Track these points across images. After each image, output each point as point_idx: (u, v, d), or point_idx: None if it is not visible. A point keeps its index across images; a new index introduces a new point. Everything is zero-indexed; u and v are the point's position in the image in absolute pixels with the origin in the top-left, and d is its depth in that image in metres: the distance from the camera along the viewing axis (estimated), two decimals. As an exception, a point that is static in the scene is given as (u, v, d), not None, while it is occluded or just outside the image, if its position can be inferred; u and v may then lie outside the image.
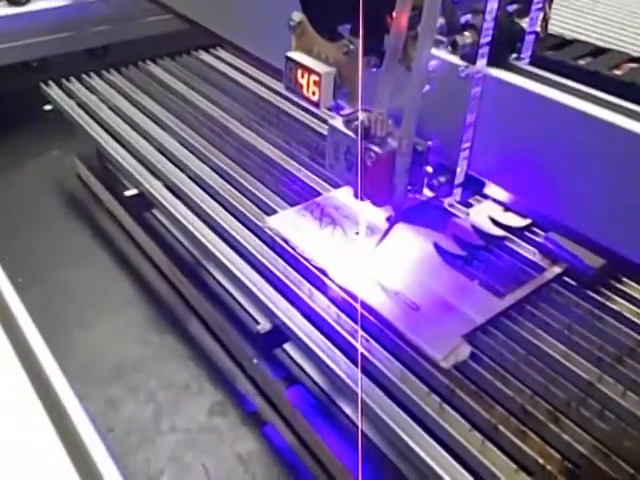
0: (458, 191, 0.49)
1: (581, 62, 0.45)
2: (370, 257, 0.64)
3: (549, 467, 0.47)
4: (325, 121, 0.89)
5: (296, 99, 0.49)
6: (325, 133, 0.85)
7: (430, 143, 0.49)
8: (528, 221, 0.68)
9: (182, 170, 0.81)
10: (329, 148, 0.53)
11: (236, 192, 0.76)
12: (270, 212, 0.72)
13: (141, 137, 0.88)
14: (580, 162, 0.43)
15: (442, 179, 0.49)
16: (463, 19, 0.44)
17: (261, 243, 0.68)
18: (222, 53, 1.10)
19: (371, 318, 0.59)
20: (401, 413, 0.53)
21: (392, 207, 0.50)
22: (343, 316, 0.60)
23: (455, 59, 0.45)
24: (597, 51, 0.47)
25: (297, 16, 0.46)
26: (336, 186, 0.75)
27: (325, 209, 0.71)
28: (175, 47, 1.16)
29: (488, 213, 0.69)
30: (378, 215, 0.69)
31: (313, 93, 0.45)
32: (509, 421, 0.51)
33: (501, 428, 0.50)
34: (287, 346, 0.69)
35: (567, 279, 0.63)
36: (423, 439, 0.51)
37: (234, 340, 0.73)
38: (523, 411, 0.51)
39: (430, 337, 0.56)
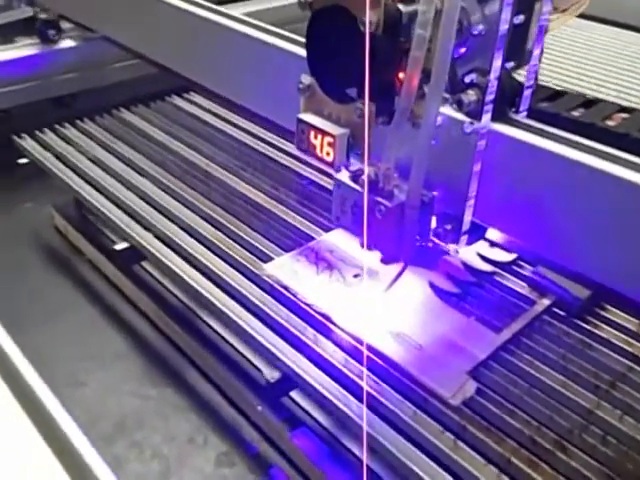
0: (464, 238, 0.52)
1: (575, 114, 0.49)
2: (371, 300, 0.66)
3: (563, 495, 0.50)
4: (310, 165, 0.92)
5: (307, 158, 0.51)
6: (312, 177, 0.89)
7: (435, 194, 0.52)
8: (514, 255, 0.72)
9: (171, 220, 0.82)
10: (335, 201, 0.56)
11: (228, 240, 0.77)
12: (265, 258, 0.74)
13: (124, 187, 0.88)
14: (573, 206, 0.47)
15: (448, 227, 0.52)
16: (466, 78, 0.47)
17: (260, 291, 0.70)
18: (196, 98, 1.12)
19: (378, 360, 0.61)
20: (416, 451, 0.55)
21: (402, 259, 0.53)
22: (350, 360, 0.62)
23: (460, 116, 0.48)
24: (588, 102, 0.51)
25: (306, 79, 0.49)
26: (327, 229, 0.78)
27: (320, 253, 0.73)
28: (140, 93, 1.16)
29: (476, 249, 0.73)
30: (373, 257, 0.72)
31: (327, 154, 0.47)
32: (520, 452, 0.54)
33: (513, 460, 0.53)
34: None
35: (557, 310, 0.67)
36: (439, 475, 0.54)
37: (236, 389, 0.74)
38: (532, 442, 0.54)
39: (437, 376, 0.59)
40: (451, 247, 0.53)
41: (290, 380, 0.65)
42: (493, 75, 0.45)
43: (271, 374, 0.64)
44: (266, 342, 0.65)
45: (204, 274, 0.74)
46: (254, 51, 0.69)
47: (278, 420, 0.70)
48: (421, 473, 0.54)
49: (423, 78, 0.46)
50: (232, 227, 0.79)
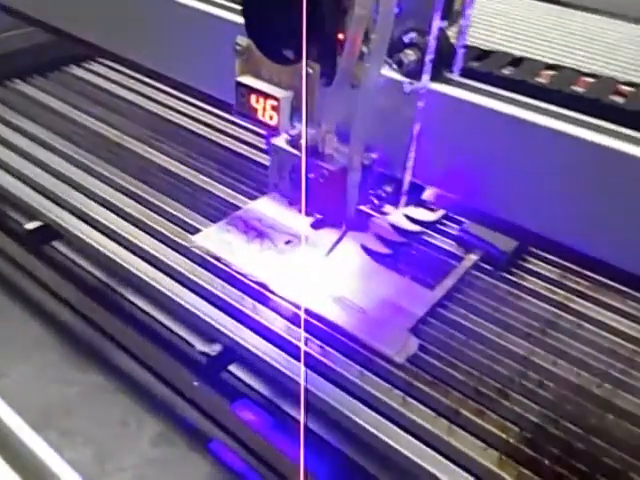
0: (403, 199, 0.53)
1: (505, 72, 0.50)
2: (306, 266, 0.66)
3: (511, 440, 0.53)
4: (225, 133, 0.90)
5: (244, 122, 0.50)
6: (229, 146, 0.87)
7: (375, 156, 0.52)
8: (440, 214, 0.74)
9: (88, 196, 0.77)
10: (272, 167, 0.54)
11: (151, 213, 0.74)
12: (191, 230, 0.72)
13: (32, 164, 0.83)
14: (508, 158, 0.48)
15: (388, 189, 0.52)
16: (405, 38, 0.47)
17: (192, 263, 0.68)
18: (96, 67, 1.06)
19: (320, 325, 0.61)
20: (365, 408, 0.56)
21: (344, 222, 0.53)
22: (292, 326, 0.61)
23: (399, 76, 0.48)
24: (515, 60, 0.52)
25: (243, 40, 0.47)
26: (252, 198, 0.76)
27: (248, 222, 0.72)
28: (33, 63, 1.08)
29: (402, 211, 0.74)
30: (303, 222, 0.71)
31: (270, 117, 0.46)
32: (467, 403, 0.55)
33: (462, 411, 0.55)
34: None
35: (484, 265, 0.69)
36: (391, 429, 0.54)
37: (169, 366, 0.71)
38: (477, 392, 0.56)
39: (380, 336, 0.59)
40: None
41: (227, 354, 0.63)
42: (432, 35, 0.46)
43: (211, 348, 0.62)
44: (204, 315, 0.63)
45: (130, 250, 0.71)
46: (171, 15, 0.66)
47: (216, 394, 0.68)
48: (373, 430, 0.54)
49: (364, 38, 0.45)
50: (154, 200, 0.76)
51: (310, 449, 0.62)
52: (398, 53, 0.47)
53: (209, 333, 0.64)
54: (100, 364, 0.77)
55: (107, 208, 0.75)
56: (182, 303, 0.65)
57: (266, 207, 0.74)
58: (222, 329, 0.62)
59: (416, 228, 0.73)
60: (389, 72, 0.48)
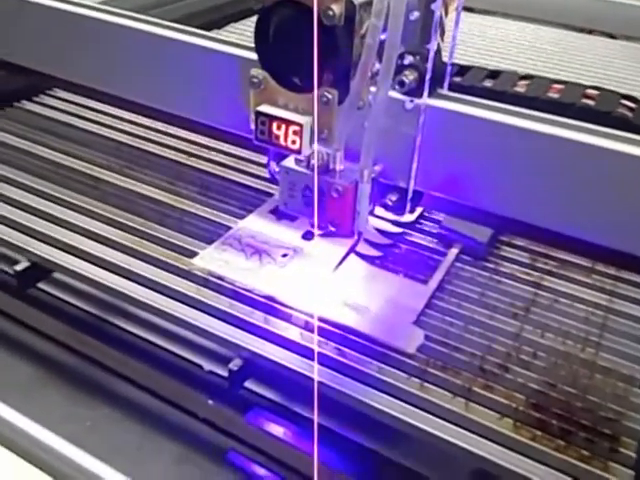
0: (408, 206, 0.58)
1: (487, 84, 0.57)
2: (308, 275, 0.70)
3: (520, 407, 0.59)
4: (197, 156, 0.92)
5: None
6: (205, 169, 0.90)
7: (379, 168, 0.57)
8: (417, 214, 0.80)
9: (72, 231, 0.78)
10: (283, 187, 0.59)
11: (143, 241, 0.76)
12: (188, 253, 0.75)
13: (6, 204, 0.82)
14: (503, 164, 0.55)
15: (394, 198, 0.58)
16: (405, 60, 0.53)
17: (196, 285, 0.71)
18: (47, 100, 1.05)
19: (333, 329, 0.65)
20: (387, 397, 0.61)
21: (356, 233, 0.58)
22: (305, 332, 0.66)
23: (398, 95, 0.53)
24: (492, 73, 0.59)
25: (259, 72, 0.51)
26: (239, 217, 0.80)
27: (243, 240, 0.76)
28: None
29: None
30: (294, 235, 0.76)
31: (293, 142, 0.50)
32: (476, 381, 0.62)
33: (474, 388, 0.61)
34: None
35: (465, 256, 0.76)
36: (414, 413, 0.60)
37: (179, 390, 0.73)
38: (482, 370, 0.63)
39: (390, 332, 0.65)
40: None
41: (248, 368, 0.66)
42: (431, 56, 0.51)
43: (235, 363, 0.65)
44: (219, 332, 0.66)
45: (131, 279, 0.72)
46: (129, 38, 0.69)
47: (229, 408, 0.71)
48: (398, 414, 0.59)
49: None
50: (142, 227, 0.78)
51: (336, 448, 0.67)
52: (398, 75, 0.52)
53: (225, 349, 0.68)
54: (106, 397, 0.77)
55: (96, 240, 0.76)
56: (193, 322, 0.68)
57: (256, 224, 0.78)
58: (240, 343, 0.65)
59: (398, 230, 0.78)
60: (392, 92, 0.53)
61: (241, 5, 1.34)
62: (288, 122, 0.50)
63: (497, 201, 0.57)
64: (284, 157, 0.59)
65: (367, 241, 0.76)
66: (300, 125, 0.50)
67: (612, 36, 1.42)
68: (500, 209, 0.58)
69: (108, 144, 0.94)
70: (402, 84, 0.52)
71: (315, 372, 0.62)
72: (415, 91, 0.53)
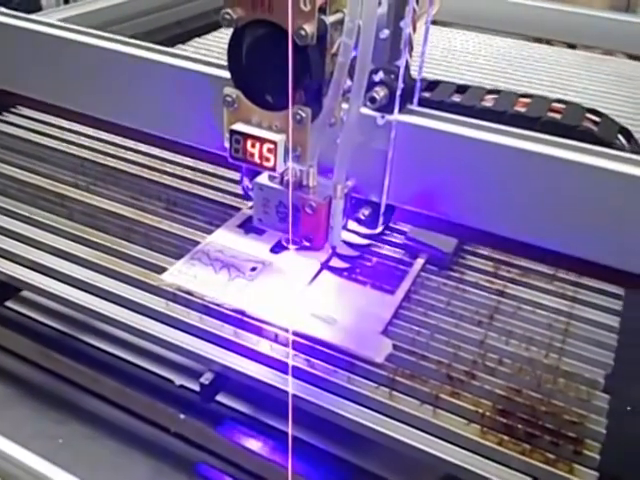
0: (381, 219, 0.60)
1: (456, 99, 0.59)
2: (277, 289, 0.71)
3: (487, 413, 0.61)
4: (157, 170, 0.93)
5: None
6: (171, 184, 0.90)
7: (352, 183, 0.58)
8: (381, 227, 0.81)
9: (39, 249, 0.77)
10: (257, 204, 0.60)
11: (111, 257, 0.76)
12: (156, 269, 0.75)
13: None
14: (471, 177, 0.56)
15: (366, 212, 0.59)
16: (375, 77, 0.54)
17: (165, 300, 0.71)
18: (12, 118, 1.04)
19: (301, 340, 0.66)
20: (356, 406, 0.62)
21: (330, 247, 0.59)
22: (275, 345, 0.66)
23: (369, 111, 0.55)
24: (460, 88, 0.61)
25: (232, 91, 0.52)
26: (206, 232, 0.80)
27: (210, 254, 0.76)
28: None
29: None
30: (263, 249, 0.77)
31: (267, 160, 0.51)
32: (443, 388, 0.63)
33: (441, 395, 0.62)
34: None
35: (430, 266, 0.78)
36: (384, 421, 0.61)
37: (150, 405, 0.73)
38: (449, 377, 0.64)
39: (359, 342, 0.66)
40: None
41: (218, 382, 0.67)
42: (401, 72, 0.53)
43: (206, 377, 0.66)
44: (191, 347, 0.67)
45: (99, 296, 0.72)
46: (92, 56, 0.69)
47: (201, 422, 0.71)
48: (368, 424, 0.61)
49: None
50: (110, 244, 0.78)
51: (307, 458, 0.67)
52: (369, 91, 0.54)
53: (196, 363, 0.68)
54: (78, 414, 0.77)
55: (63, 258, 0.76)
56: (163, 337, 0.68)
57: (224, 238, 0.78)
58: (210, 357, 0.66)
59: (364, 241, 0.80)
60: (363, 109, 0.55)
61: (204, 19, 1.35)
62: (262, 140, 0.51)
63: (466, 213, 0.58)
64: (257, 174, 0.60)
65: (335, 253, 0.77)
66: (274, 143, 0.51)
67: (572, 46, 1.46)
68: (468, 220, 0.59)
69: (73, 161, 0.94)
70: (373, 100, 0.54)
71: (290, 385, 0.63)
72: (386, 107, 0.54)
